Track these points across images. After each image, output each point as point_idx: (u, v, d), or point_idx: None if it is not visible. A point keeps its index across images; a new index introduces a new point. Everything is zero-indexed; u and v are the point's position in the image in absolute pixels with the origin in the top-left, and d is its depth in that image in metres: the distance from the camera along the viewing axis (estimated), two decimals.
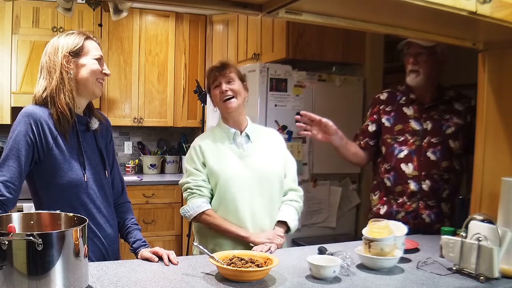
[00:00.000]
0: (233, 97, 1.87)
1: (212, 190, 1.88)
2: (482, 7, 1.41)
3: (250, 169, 1.87)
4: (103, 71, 1.64)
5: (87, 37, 1.62)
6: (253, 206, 1.85)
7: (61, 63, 1.56)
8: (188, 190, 1.87)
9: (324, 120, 2.09)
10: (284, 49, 2.94)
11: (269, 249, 1.74)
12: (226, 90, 1.86)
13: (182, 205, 4.20)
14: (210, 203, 1.87)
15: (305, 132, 2.11)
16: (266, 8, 1.46)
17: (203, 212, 1.83)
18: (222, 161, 1.86)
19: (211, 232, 1.87)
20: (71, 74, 1.58)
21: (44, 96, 1.57)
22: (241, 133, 1.93)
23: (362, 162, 2.34)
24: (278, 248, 1.80)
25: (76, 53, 1.59)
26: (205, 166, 1.88)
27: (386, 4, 1.42)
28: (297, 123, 2.11)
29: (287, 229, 1.90)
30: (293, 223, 1.90)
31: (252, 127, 1.97)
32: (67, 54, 1.57)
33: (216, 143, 1.90)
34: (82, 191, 1.57)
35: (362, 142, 2.30)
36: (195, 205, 1.84)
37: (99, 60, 1.63)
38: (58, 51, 1.57)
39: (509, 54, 1.78)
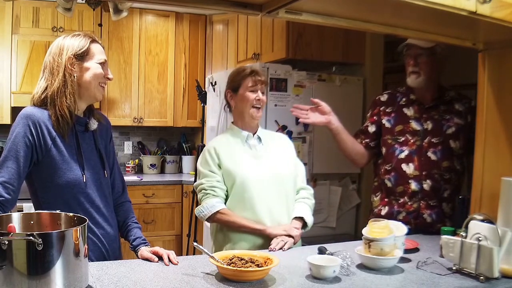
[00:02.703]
0: (260, 107, 1.93)
1: (227, 191, 1.90)
2: (482, 7, 1.41)
3: (265, 169, 1.90)
4: (106, 76, 1.63)
5: (93, 40, 1.61)
6: (270, 204, 1.88)
7: (65, 65, 1.55)
8: (203, 191, 1.89)
9: (315, 100, 2.17)
10: (284, 49, 2.94)
11: (285, 244, 1.76)
12: (263, 100, 1.91)
13: (183, 206, 4.21)
14: (225, 204, 1.89)
15: (305, 121, 2.18)
16: (266, 8, 1.46)
17: (218, 212, 1.85)
18: (237, 161, 1.89)
19: (229, 230, 1.89)
20: (74, 77, 1.56)
21: (43, 97, 1.56)
22: (253, 135, 1.96)
23: (362, 160, 2.33)
24: (295, 242, 1.82)
25: (81, 56, 1.57)
26: (220, 167, 1.90)
27: (386, 4, 1.42)
28: (294, 113, 2.20)
29: (304, 225, 1.93)
30: (309, 219, 1.94)
31: (263, 131, 2.02)
32: (72, 56, 1.56)
33: (230, 145, 1.94)
34: (80, 191, 1.57)
35: (363, 142, 2.30)
36: (210, 205, 1.85)
37: (103, 64, 1.62)
38: (63, 52, 1.56)
39: (509, 54, 1.78)
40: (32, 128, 1.50)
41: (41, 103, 1.57)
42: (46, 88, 1.57)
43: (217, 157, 1.90)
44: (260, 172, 1.89)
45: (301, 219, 1.92)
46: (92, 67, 1.59)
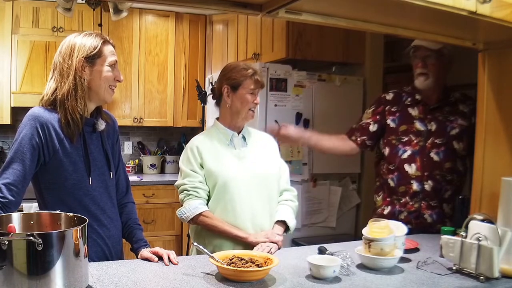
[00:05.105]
0: (254, 110, 1.91)
1: (209, 192, 1.86)
2: (482, 7, 1.41)
3: (248, 170, 1.87)
4: (116, 79, 1.61)
5: (105, 41, 1.58)
6: (252, 206, 1.84)
7: (75, 68, 1.52)
8: (185, 191, 1.84)
9: (282, 132, 2.22)
10: (284, 49, 2.94)
11: (270, 250, 1.73)
12: (258, 104, 1.89)
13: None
14: (207, 205, 1.85)
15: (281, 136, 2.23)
16: (266, 8, 1.46)
17: (200, 214, 1.81)
18: (220, 162, 1.85)
19: (209, 234, 1.85)
20: (84, 80, 1.54)
21: (52, 99, 1.54)
22: (238, 134, 1.93)
23: (349, 152, 2.34)
24: (279, 247, 1.79)
25: (92, 58, 1.54)
26: (202, 167, 1.86)
27: (386, 4, 1.42)
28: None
29: (286, 228, 1.90)
30: (292, 222, 1.91)
31: (248, 130, 1.98)
32: (82, 58, 1.53)
33: (214, 144, 1.89)
34: (86, 193, 1.56)
35: (358, 139, 2.29)
36: (192, 207, 1.81)
37: (114, 65, 1.59)
38: (74, 53, 1.53)
39: (509, 54, 1.78)
40: (40, 130, 1.49)
41: (51, 104, 1.55)
42: (56, 89, 1.54)
43: (200, 156, 1.85)
44: (243, 173, 1.85)
45: (283, 223, 1.88)
46: (103, 70, 1.56)
